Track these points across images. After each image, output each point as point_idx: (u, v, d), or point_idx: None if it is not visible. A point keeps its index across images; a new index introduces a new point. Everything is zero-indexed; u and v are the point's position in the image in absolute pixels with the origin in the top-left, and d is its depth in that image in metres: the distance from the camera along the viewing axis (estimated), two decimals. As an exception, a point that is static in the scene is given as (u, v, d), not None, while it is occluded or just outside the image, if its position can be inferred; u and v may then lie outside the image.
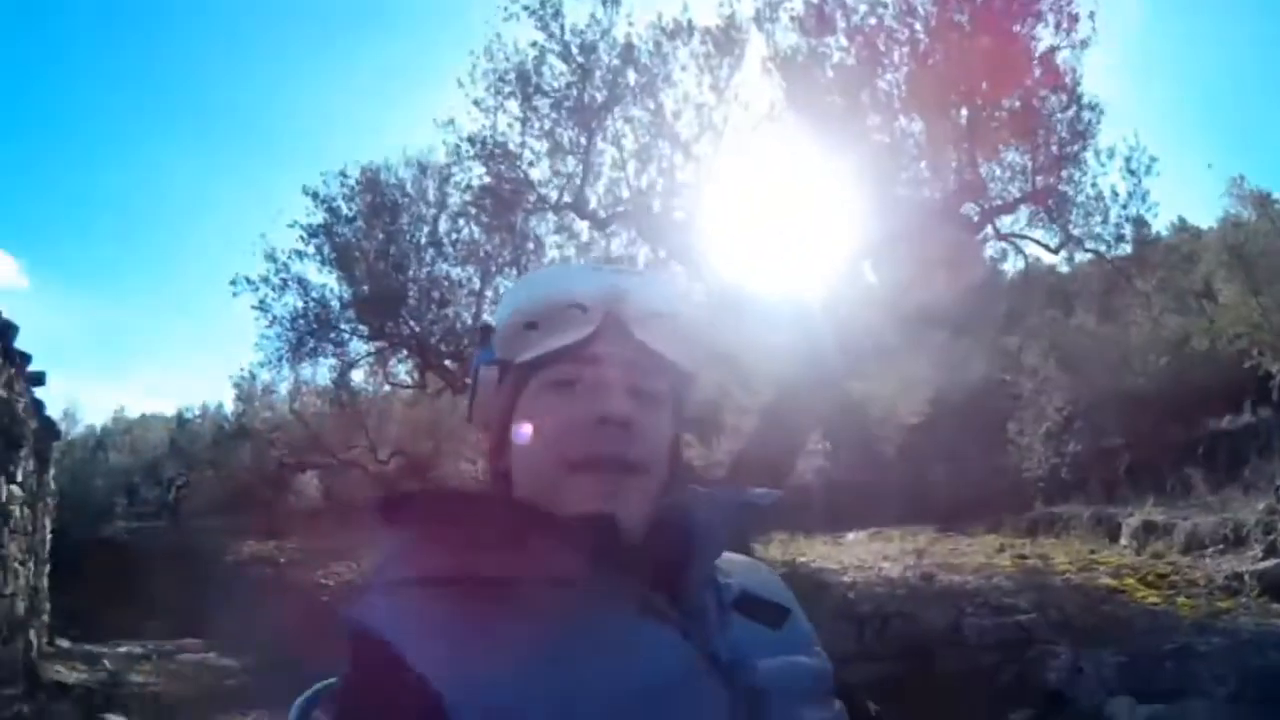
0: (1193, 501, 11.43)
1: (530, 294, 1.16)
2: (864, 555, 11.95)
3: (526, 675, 0.92)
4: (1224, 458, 12.74)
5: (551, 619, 0.98)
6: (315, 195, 14.32)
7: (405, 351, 15.75)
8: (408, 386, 18.15)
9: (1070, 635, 7.43)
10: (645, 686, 0.95)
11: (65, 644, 10.29)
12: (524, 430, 1.13)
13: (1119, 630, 7.36)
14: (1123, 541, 10.96)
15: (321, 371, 17.90)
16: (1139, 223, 11.57)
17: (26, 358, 8.22)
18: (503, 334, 1.16)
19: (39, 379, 8.84)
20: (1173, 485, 12.12)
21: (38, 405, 9.21)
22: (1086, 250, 11.88)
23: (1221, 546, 9.56)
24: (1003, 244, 12.73)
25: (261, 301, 14.74)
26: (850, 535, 15.58)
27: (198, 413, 26.78)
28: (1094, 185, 11.43)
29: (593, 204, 12.50)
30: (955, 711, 7.05)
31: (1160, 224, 14.09)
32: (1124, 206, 11.37)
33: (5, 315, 7.24)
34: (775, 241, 13.53)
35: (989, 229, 12.22)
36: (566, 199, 12.38)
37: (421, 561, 1.04)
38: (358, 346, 16.29)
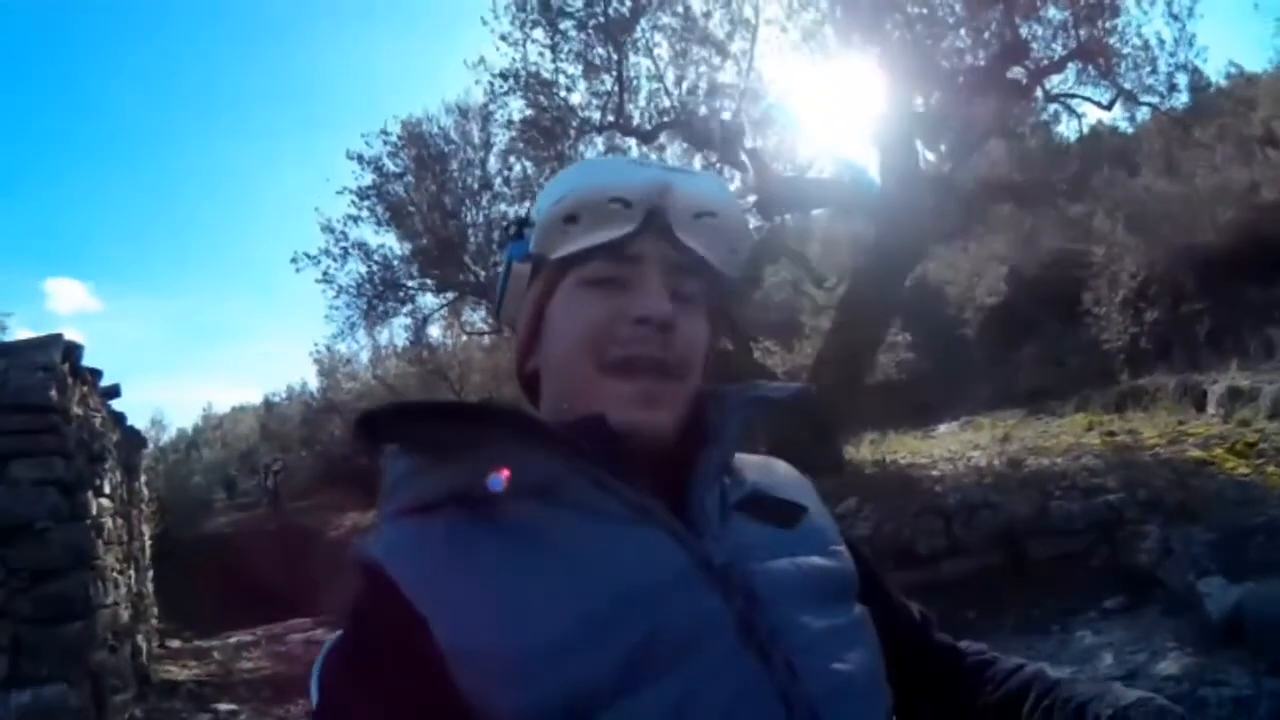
0: (1276, 363, 11.03)
1: (572, 186, 1.10)
2: (954, 446, 11.75)
3: (503, 591, 0.92)
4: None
5: (534, 531, 0.97)
6: (360, 158, 14.38)
7: (475, 298, 15.75)
8: (483, 333, 18.26)
9: (1160, 513, 7.24)
10: (626, 595, 0.92)
11: (176, 644, 10.69)
12: (557, 330, 1.11)
13: (1208, 505, 7.13)
14: (1210, 410, 10.63)
15: (397, 332, 18.19)
16: (1191, 71, 11.09)
17: (98, 374, 8.46)
18: (540, 227, 1.11)
19: (114, 392, 9.10)
20: (1255, 347, 11.74)
21: (118, 418, 9.47)
22: (1141, 104, 11.41)
23: (1308, 410, 9.25)
24: (1055, 106, 12.28)
25: (325, 273, 14.97)
26: (941, 427, 15.42)
27: (284, 395, 27.32)
28: (1139, 34, 10.98)
29: (636, 119, 12.38)
30: (1047, 601, 7.00)
31: (1212, 71, 13.62)
32: (1171, 55, 10.94)
33: (70, 337, 7.43)
34: (825, 129, 13.31)
35: (1038, 92, 11.78)
36: (609, 118, 12.24)
37: (416, 487, 1.02)
38: (428, 301, 16.47)
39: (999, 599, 7.19)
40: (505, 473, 0.97)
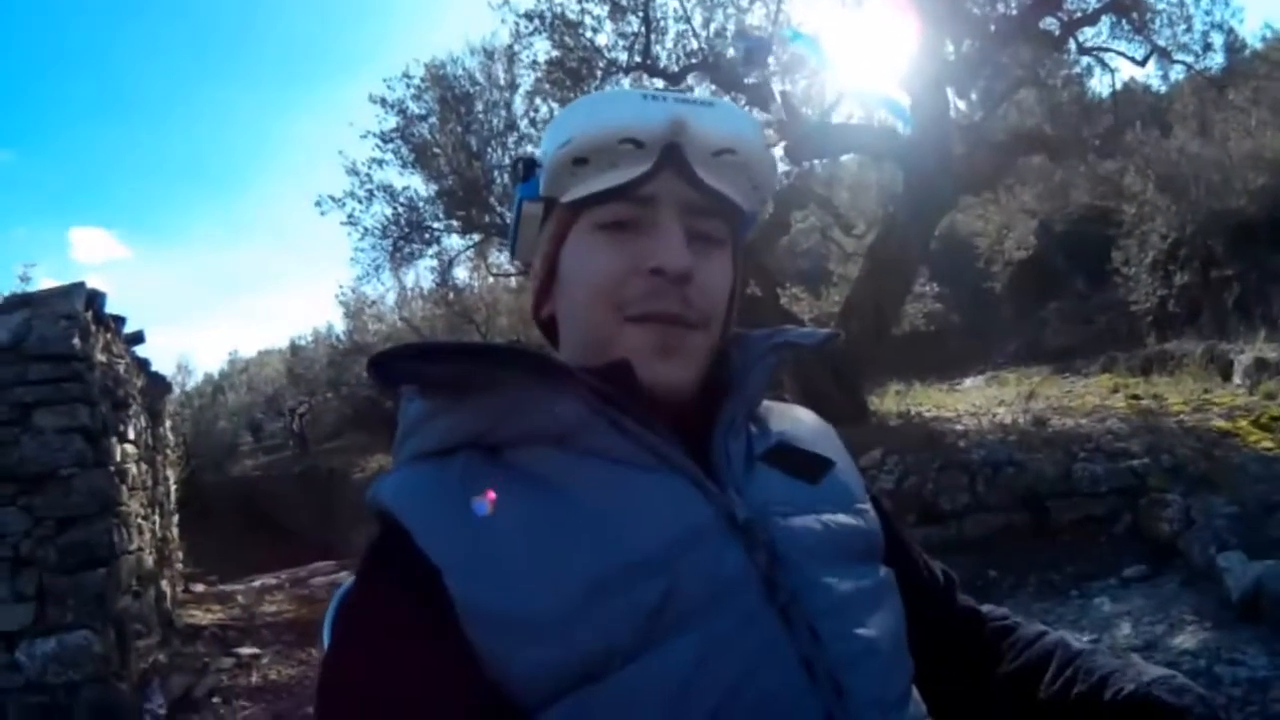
0: (1304, 335, 10.95)
1: (580, 125, 1.05)
2: (979, 401, 11.69)
3: (519, 547, 0.90)
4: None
5: (553, 481, 0.96)
6: (383, 101, 14.27)
7: (501, 240, 15.69)
8: (510, 274, 18.20)
9: (1183, 482, 7.19)
10: (647, 550, 0.91)
11: (200, 588, 10.83)
12: (571, 277, 1.08)
13: (1231, 477, 7.07)
14: (1235, 380, 10.53)
15: (423, 274, 18.19)
16: (1227, 31, 10.90)
17: (121, 320, 8.50)
18: (548, 169, 1.08)
19: (138, 338, 9.18)
20: (1284, 317, 11.65)
21: (142, 363, 9.53)
22: (1175, 61, 11.15)
23: (1335, 386, 9.10)
24: (1087, 59, 12.05)
25: (350, 215, 14.90)
26: (967, 381, 15.38)
27: (310, 338, 27.42)
28: (1173, -11, 10.69)
29: (663, 60, 12.21)
30: (1068, 565, 6.99)
31: (1248, 33, 13.40)
32: (1207, 13, 10.74)
33: (95, 285, 7.50)
34: (854, 75, 13.12)
35: (1071, 44, 11.52)
36: (636, 59, 12.07)
37: (432, 431, 1.01)
38: (454, 243, 16.43)
39: (1021, 560, 7.19)
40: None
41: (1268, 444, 7.72)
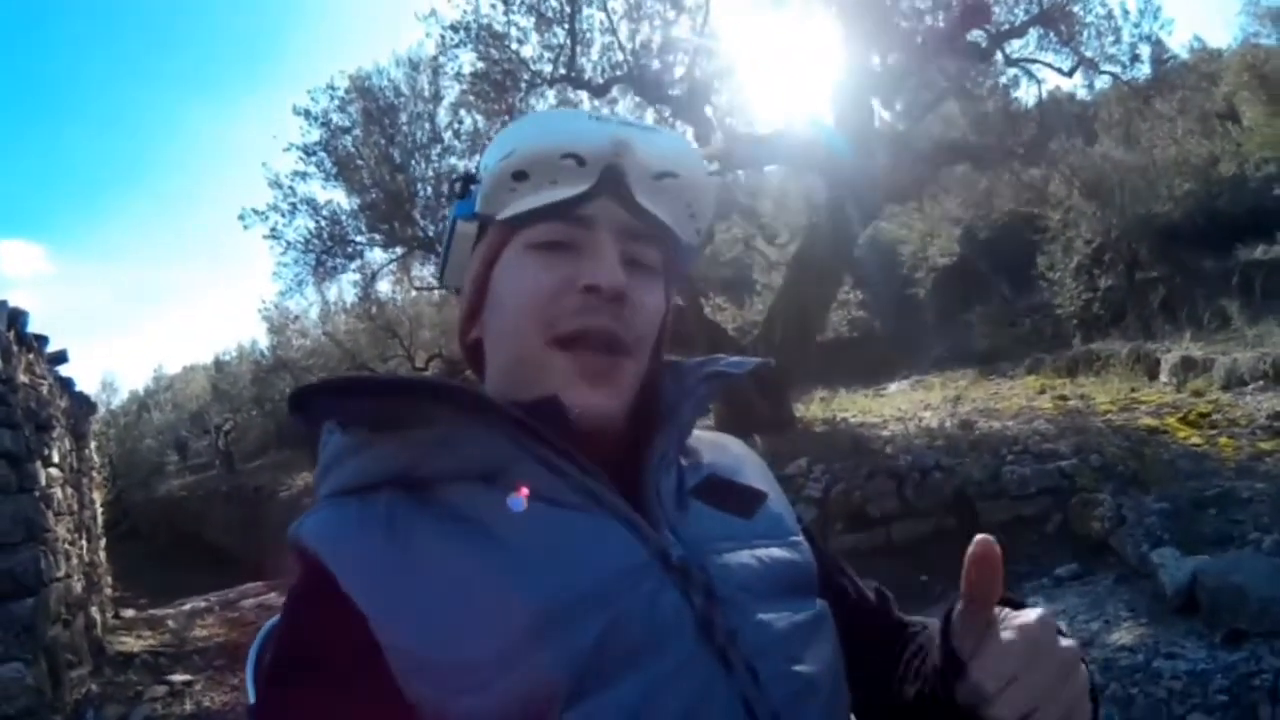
0: (1230, 334, 11.22)
1: (522, 140, 1.02)
2: (905, 406, 11.83)
3: (449, 590, 0.86)
4: (1259, 289, 12.45)
5: (482, 520, 0.91)
6: (307, 113, 14.07)
7: (424, 253, 15.55)
8: (433, 288, 18.07)
9: (1112, 480, 7.32)
10: (580, 592, 0.87)
11: (130, 613, 10.55)
12: (501, 298, 1.04)
13: (1161, 475, 7.22)
14: (1162, 378, 10.79)
15: (346, 289, 18.04)
16: (1154, 42, 11.18)
17: (43, 340, 8.29)
18: (486, 184, 1.04)
19: (61, 358, 8.95)
20: (1209, 318, 11.94)
21: (66, 383, 9.31)
22: (1102, 72, 11.46)
23: (1261, 383, 9.40)
24: (1014, 70, 12.25)
25: (273, 229, 14.65)
26: (892, 386, 15.51)
27: (234, 354, 27.12)
28: (1103, 3, 11.02)
29: (588, 73, 12.19)
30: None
31: (1176, 45, 13.79)
32: (1136, 25, 11.03)
33: (20, 302, 7.31)
34: (779, 87, 13.18)
35: (998, 55, 11.73)
36: (561, 71, 12.03)
37: (354, 466, 0.97)
38: (377, 256, 16.27)
39: (952, 564, 7.06)
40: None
41: (1196, 440, 7.91)
